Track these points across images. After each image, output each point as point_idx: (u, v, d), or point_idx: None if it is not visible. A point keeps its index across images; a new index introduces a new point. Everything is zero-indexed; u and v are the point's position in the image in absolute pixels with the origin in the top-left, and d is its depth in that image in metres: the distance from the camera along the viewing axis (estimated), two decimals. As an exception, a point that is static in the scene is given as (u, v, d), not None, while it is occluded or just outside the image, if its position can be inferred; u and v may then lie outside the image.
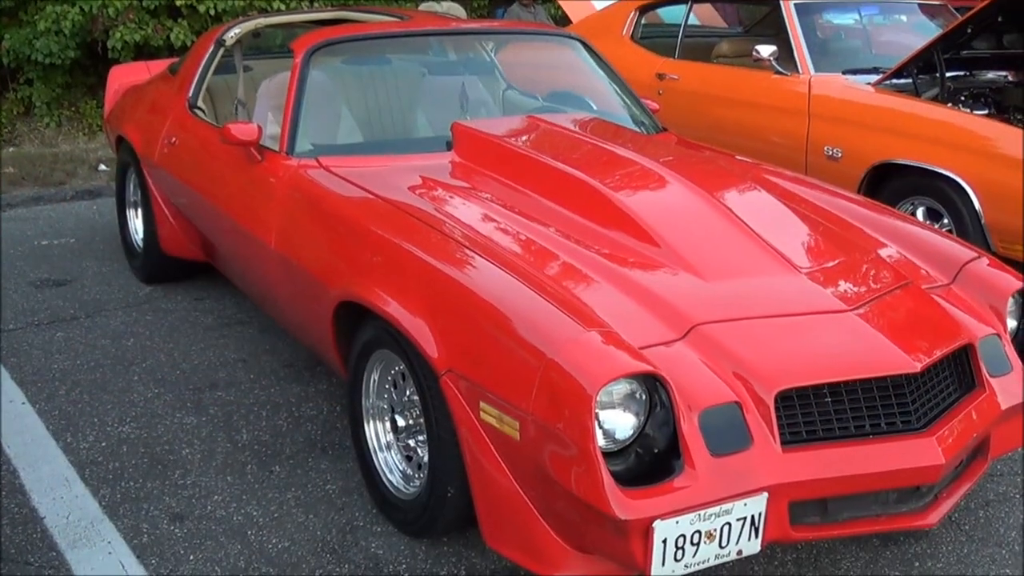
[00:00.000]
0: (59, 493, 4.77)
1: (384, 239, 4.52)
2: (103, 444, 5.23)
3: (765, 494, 3.53)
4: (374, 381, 4.61)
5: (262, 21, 7.41)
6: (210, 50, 7.19)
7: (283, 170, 5.43)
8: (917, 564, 4.34)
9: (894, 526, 3.96)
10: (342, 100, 6.10)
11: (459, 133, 5.56)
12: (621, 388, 3.49)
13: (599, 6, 11.80)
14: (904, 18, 9.99)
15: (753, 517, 3.54)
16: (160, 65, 8.52)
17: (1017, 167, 6.88)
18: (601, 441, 3.42)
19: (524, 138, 5.56)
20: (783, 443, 3.63)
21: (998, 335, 4.37)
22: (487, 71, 7.02)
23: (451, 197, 4.96)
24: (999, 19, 7.96)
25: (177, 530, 4.49)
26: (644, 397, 3.52)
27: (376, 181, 5.10)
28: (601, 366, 3.43)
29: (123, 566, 4.23)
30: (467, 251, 4.25)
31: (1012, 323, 4.56)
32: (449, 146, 5.55)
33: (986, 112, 7.97)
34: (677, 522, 3.38)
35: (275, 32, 7.88)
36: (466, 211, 4.77)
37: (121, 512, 4.62)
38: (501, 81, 7.01)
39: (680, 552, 3.43)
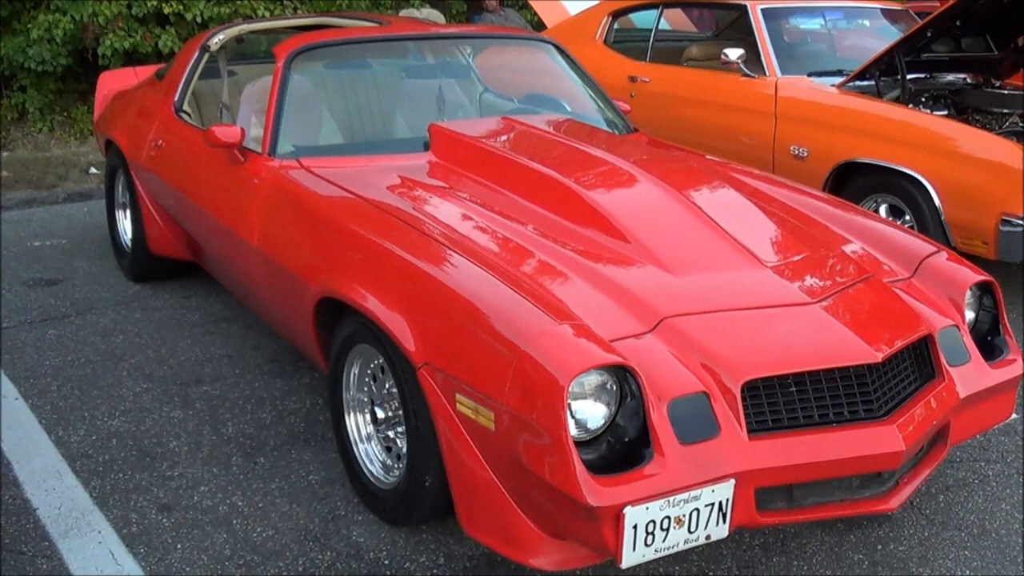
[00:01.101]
0: (51, 485, 4.86)
1: (363, 237, 4.62)
2: (93, 438, 5.33)
3: (732, 480, 3.62)
4: (354, 375, 4.71)
5: (246, 27, 7.50)
6: (195, 56, 7.28)
7: (265, 171, 5.53)
8: (880, 547, 4.46)
9: (857, 511, 4.05)
10: (323, 103, 6.19)
11: (436, 134, 5.66)
12: (592, 379, 3.58)
13: (573, 11, 11.90)
14: (867, 23, 10.09)
15: (721, 503, 3.62)
16: (148, 71, 8.59)
17: (975, 165, 7.03)
18: (573, 431, 3.50)
19: (499, 139, 5.66)
20: (750, 431, 3.73)
21: (957, 326, 4.48)
22: (464, 74, 7.11)
23: (428, 196, 5.06)
24: (957, 24, 8.11)
25: (165, 520, 4.59)
26: (615, 388, 3.61)
27: (355, 181, 5.19)
28: (573, 358, 3.53)
29: (113, 555, 4.34)
30: (443, 248, 4.34)
31: (970, 315, 4.67)
32: (426, 147, 5.65)
33: (945, 113, 8.14)
34: (647, 508, 3.46)
35: (258, 38, 7.95)
36: (443, 209, 4.87)
37: (111, 503, 4.72)
38: (478, 84, 7.10)
39: (650, 537, 3.51)
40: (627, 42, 10.71)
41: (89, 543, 4.42)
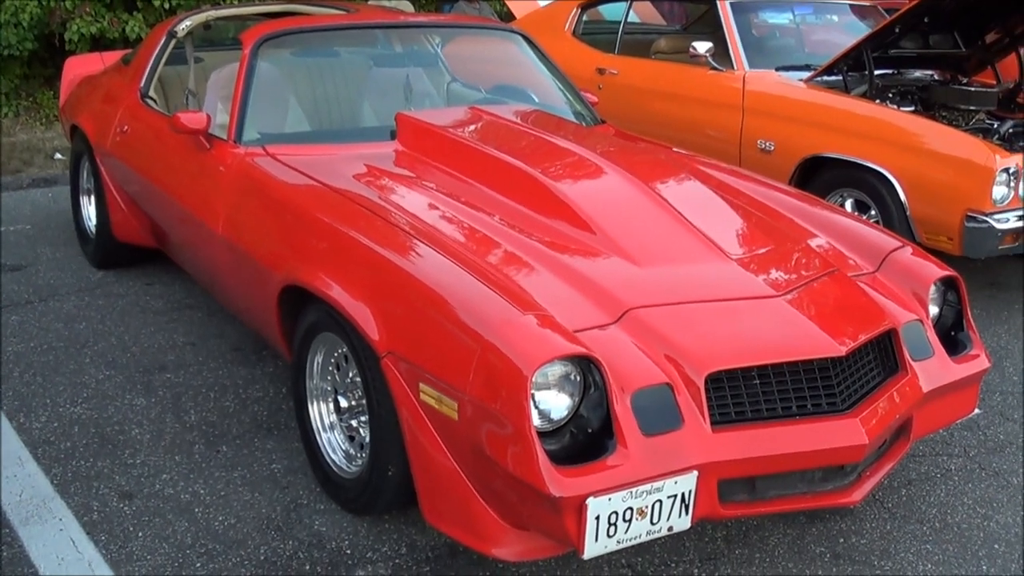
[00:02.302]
0: (12, 472, 4.83)
1: (328, 225, 4.61)
2: (55, 424, 5.30)
3: (695, 472, 3.63)
4: (318, 363, 4.70)
5: (213, 14, 7.47)
6: (162, 42, 7.24)
7: (231, 158, 5.51)
8: (842, 540, 4.48)
9: (820, 503, 4.08)
10: (289, 90, 6.17)
11: (403, 123, 5.65)
12: (556, 369, 3.58)
13: (543, 2, 11.90)
14: (836, 18, 10.14)
15: (683, 495, 3.63)
16: (114, 56, 8.55)
17: (941, 162, 7.06)
18: (536, 421, 3.51)
19: (467, 128, 5.64)
20: (713, 423, 3.73)
21: (920, 321, 4.50)
22: (432, 63, 7.10)
23: (394, 185, 5.05)
24: (925, 20, 8.13)
25: (126, 508, 4.57)
26: (578, 378, 3.61)
27: (321, 169, 5.18)
28: (537, 348, 3.53)
29: (74, 542, 4.31)
30: (409, 237, 4.34)
31: (934, 309, 4.69)
32: (393, 136, 5.64)
33: (913, 109, 8.17)
34: (610, 499, 3.46)
35: (226, 25, 7.92)
36: (408, 199, 4.87)
37: (72, 490, 4.70)
38: (446, 74, 7.09)
39: (613, 528, 3.52)
40: (596, 34, 10.71)
41: (50, 530, 4.40)
